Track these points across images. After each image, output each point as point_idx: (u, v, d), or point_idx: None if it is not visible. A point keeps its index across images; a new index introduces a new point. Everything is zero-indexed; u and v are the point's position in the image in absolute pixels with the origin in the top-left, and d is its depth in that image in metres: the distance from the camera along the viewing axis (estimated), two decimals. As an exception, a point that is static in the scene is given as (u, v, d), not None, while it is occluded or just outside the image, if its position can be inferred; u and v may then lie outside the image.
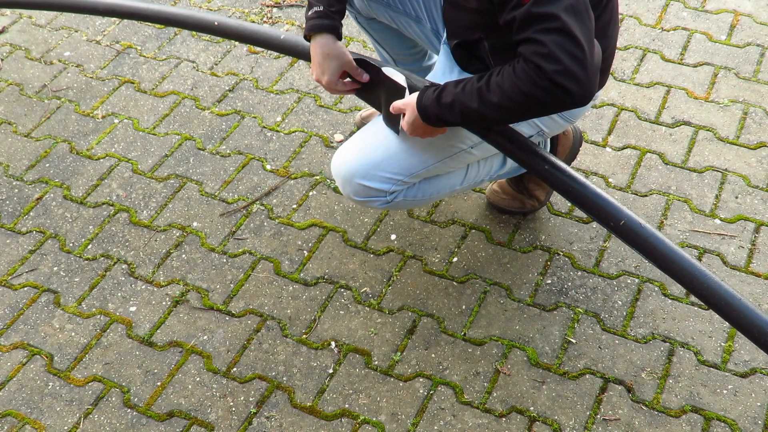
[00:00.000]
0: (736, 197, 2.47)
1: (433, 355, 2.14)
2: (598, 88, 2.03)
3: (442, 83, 1.79)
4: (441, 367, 2.12)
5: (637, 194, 2.50)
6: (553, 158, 1.81)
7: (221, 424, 2.03)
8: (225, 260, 2.39)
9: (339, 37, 1.96)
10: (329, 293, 2.29)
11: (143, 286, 2.33)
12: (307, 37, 1.99)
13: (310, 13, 1.96)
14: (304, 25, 1.99)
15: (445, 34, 2.03)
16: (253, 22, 3.20)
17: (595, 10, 1.81)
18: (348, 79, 2.03)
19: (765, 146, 2.62)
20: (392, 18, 2.21)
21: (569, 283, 2.28)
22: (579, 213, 2.45)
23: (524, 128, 2.02)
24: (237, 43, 3.11)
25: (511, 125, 1.88)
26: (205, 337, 2.21)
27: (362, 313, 2.24)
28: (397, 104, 1.89)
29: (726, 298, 1.65)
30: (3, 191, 2.63)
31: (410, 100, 1.84)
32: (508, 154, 1.86)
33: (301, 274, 2.34)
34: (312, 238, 2.43)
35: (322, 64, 1.97)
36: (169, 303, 2.29)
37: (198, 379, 2.12)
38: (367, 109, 2.75)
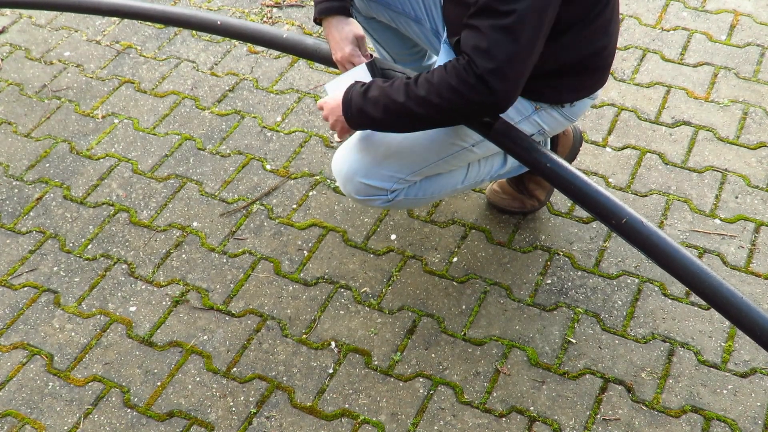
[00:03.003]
0: (736, 197, 2.47)
1: (433, 355, 2.14)
2: (600, 86, 2.03)
3: None
4: (441, 367, 2.11)
5: (637, 194, 2.50)
6: (555, 156, 1.81)
7: (221, 424, 2.02)
8: (225, 260, 2.38)
9: (349, 17, 1.97)
10: (329, 293, 2.29)
11: (143, 286, 2.33)
12: (318, 21, 1.99)
13: None
14: (314, 11, 2.00)
15: (445, 34, 2.03)
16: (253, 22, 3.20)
17: (596, 7, 1.82)
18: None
19: (765, 146, 2.62)
20: (392, 18, 2.21)
21: (569, 283, 2.28)
22: (579, 213, 2.45)
23: (525, 126, 2.02)
24: (237, 43, 3.11)
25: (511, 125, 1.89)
26: (205, 337, 2.20)
27: (362, 313, 2.24)
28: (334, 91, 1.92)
29: (727, 297, 1.65)
30: (3, 191, 2.62)
31: (341, 91, 1.87)
32: (510, 152, 1.86)
33: (301, 274, 2.34)
34: (312, 238, 2.43)
35: (339, 42, 1.96)
36: (169, 303, 2.29)
37: (198, 379, 2.12)
38: (367, 109, 2.75)
